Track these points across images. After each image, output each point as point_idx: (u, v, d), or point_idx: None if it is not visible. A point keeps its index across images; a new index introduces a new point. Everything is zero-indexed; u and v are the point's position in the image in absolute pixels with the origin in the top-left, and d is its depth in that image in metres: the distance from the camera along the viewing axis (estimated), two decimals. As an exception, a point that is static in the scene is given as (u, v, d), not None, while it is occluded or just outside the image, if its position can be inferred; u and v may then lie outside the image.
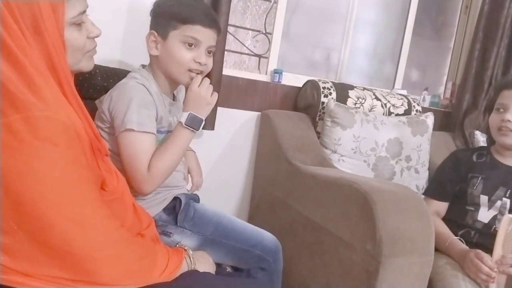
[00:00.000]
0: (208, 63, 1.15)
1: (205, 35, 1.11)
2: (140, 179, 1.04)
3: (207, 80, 1.12)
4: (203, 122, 1.11)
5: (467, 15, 2.55)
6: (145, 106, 1.07)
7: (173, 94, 1.24)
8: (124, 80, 1.12)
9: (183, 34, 1.10)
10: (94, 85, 1.30)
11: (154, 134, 1.07)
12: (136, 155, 1.04)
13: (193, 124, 1.08)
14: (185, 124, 1.07)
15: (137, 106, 1.04)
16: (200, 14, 1.11)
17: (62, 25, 0.79)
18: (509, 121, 1.40)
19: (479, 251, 1.25)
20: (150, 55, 1.15)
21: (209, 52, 1.15)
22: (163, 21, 1.12)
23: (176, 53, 1.10)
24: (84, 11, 0.85)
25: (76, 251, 0.72)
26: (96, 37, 0.90)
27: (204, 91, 1.10)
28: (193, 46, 1.11)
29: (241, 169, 1.94)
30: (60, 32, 0.79)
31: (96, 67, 1.12)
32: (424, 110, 2.11)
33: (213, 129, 1.70)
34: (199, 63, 1.12)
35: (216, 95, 1.13)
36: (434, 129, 2.04)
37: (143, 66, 1.19)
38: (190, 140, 1.11)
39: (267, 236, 1.23)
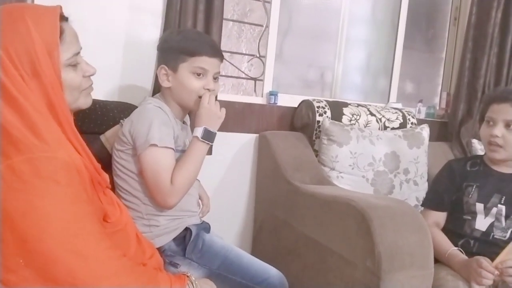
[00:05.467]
0: (216, 88, 1.26)
1: (211, 64, 1.22)
2: (165, 192, 1.12)
3: (214, 97, 1.22)
4: (216, 135, 1.20)
5: (456, 26, 2.61)
6: (165, 124, 1.17)
7: (183, 121, 1.33)
8: (141, 106, 1.23)
9: (192, 65, 1.20)
10: (94, 119, 1.35)
11: (174, 150, 1.16)
12: (159, 169, 1.12)
13: (208, 137, 1.19)
14: (201, 138, 1.17)
15: (158, 125, 1.14)
16: (206, 46, 1.22)
17: (58, 67, 0.84)
18: (497, 136, 1.43)
19: (479, 258, 1.26)
20: (162, 87, 1.25)
21: (215, 78, 1.25)
22: (172, 55, 1.22)
23: (187, 83, 1.21)
24: (78, 53, 0.91)
25: (80, 282, 0.75)
26: (91, 75, 0.96)
27: (214, 107, 1.20)
28: (201, 75, 1.21)
29: (242, 191, 1.96)
30: (57, 73, 0.84)
31: (95, 102, 1.18)
32: (420, 121, 2.14)
33: (210, 153, 1.73)
34: (208, 89, 1.22)
35: (224, 110, 1.23)
36: (432, 139, 2.07)
37: (152, 96, 1.29)
38: (206, 153, 1.20)
39: (273, 273, 1.25)
